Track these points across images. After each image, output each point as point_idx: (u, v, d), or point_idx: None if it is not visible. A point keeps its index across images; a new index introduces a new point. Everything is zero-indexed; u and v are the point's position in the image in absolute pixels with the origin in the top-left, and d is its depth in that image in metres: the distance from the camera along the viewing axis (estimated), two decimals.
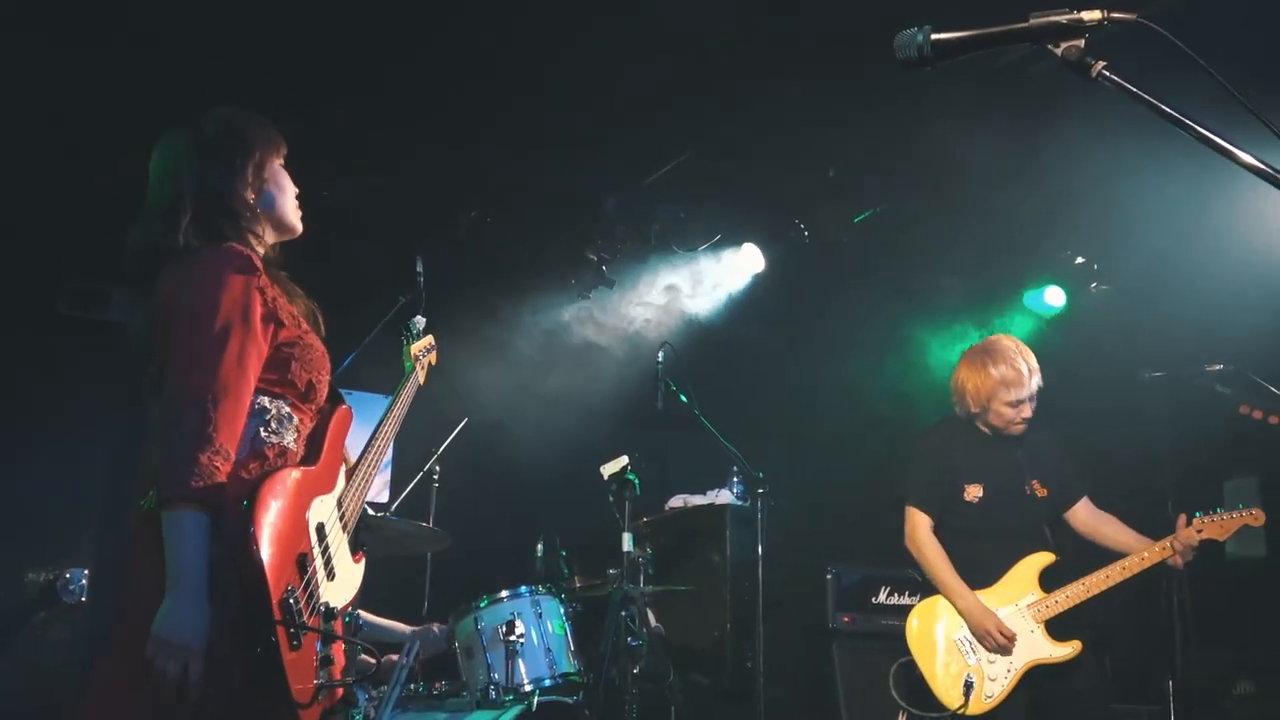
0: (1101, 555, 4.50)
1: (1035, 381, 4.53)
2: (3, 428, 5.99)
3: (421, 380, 3.33)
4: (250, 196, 2.50)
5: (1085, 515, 4.65)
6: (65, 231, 6.00)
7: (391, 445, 2.88)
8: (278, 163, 2.60)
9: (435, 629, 5.08)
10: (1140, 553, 4.33)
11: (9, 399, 6.09)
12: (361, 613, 4.51)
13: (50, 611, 5.15)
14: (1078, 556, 4.60)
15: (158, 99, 5.07)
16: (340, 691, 2.38)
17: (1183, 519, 4.31)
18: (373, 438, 2.78)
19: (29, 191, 5.76)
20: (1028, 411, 4.53)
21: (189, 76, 5.01)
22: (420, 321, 3.52)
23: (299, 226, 2.64)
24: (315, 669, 2.27)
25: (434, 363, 3.44)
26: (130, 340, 2.46)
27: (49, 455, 6.05)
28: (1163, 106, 1.73)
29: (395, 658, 4.78)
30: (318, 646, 2.30)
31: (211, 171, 2.46)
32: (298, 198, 2.65)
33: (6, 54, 4.98)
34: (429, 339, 3.48)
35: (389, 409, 2.95)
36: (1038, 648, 4.35)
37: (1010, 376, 4.49)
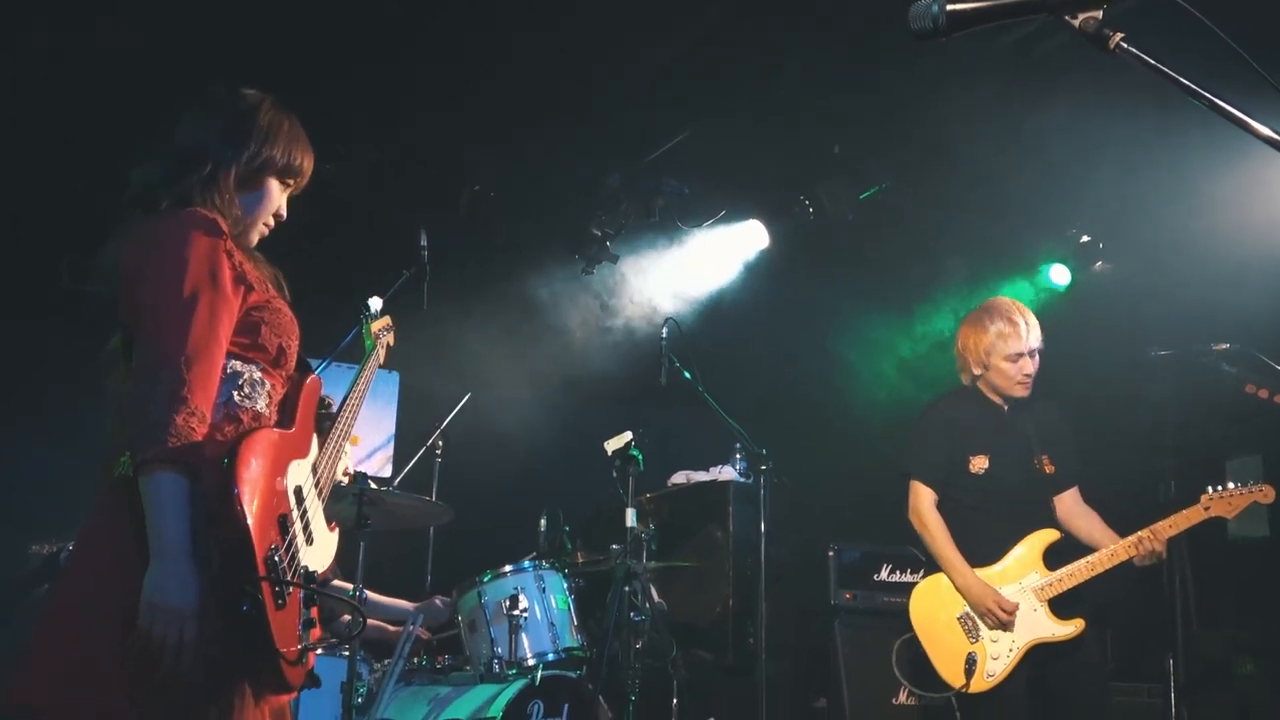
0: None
1: (1034, 336, 4.51)
2: (3, 401, 5.99)
3: (381, 359, 3.35)
4: (234, 183, 2.46)
5: (1069, 503, 4.61)
6: (64, 209, 5.98)
7: (357, 420, 2.90)
8: (279, 182, 2.55)
9: (438, 601, 5.11)
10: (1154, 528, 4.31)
11: (8, 374, 6.08)
12: (366, 591, 4.54)
13: (54, 583, 5.17)
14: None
15: (158, 73, 5.06)
16: (312, 660, 2.37)
17: (1203, 498, 4.29)
18: (339, 412, 2.79)
19: (29, 169, 5.74)
20: (1029, 367, 4.50)
21: (189, 52, 4.98)
22: (377, 303, 3.56)
23: (254, 241, 2.57)
24: (299, 632, 2.26)
25: (392, 343, 3.48)
26: (100, 274, 2.43)
27: (51, 428, 6.04)
28: (1180, 79, 1.70)
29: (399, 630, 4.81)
30: (300, 608, 2.28)
31: (230, 144, 2.45)
32: (277, 221, 2.59)
33: (7, 32, 4.96)
34: (387, 319, 3.52)
35: (352, 385, 2.96)
36: (1040, 626, 4.35)
37: (1006, 330, 4.48)
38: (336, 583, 4.38)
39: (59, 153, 5.64)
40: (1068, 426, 4.70)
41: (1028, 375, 4.52)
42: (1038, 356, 4.53)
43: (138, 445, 2.15)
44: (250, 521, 2.14)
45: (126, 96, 5.21)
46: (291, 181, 2.58)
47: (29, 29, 4.96)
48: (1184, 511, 4.31)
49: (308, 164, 2.59)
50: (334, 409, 2.80)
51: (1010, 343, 4.48)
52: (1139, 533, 4.32)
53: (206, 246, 2.30)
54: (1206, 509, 4.28)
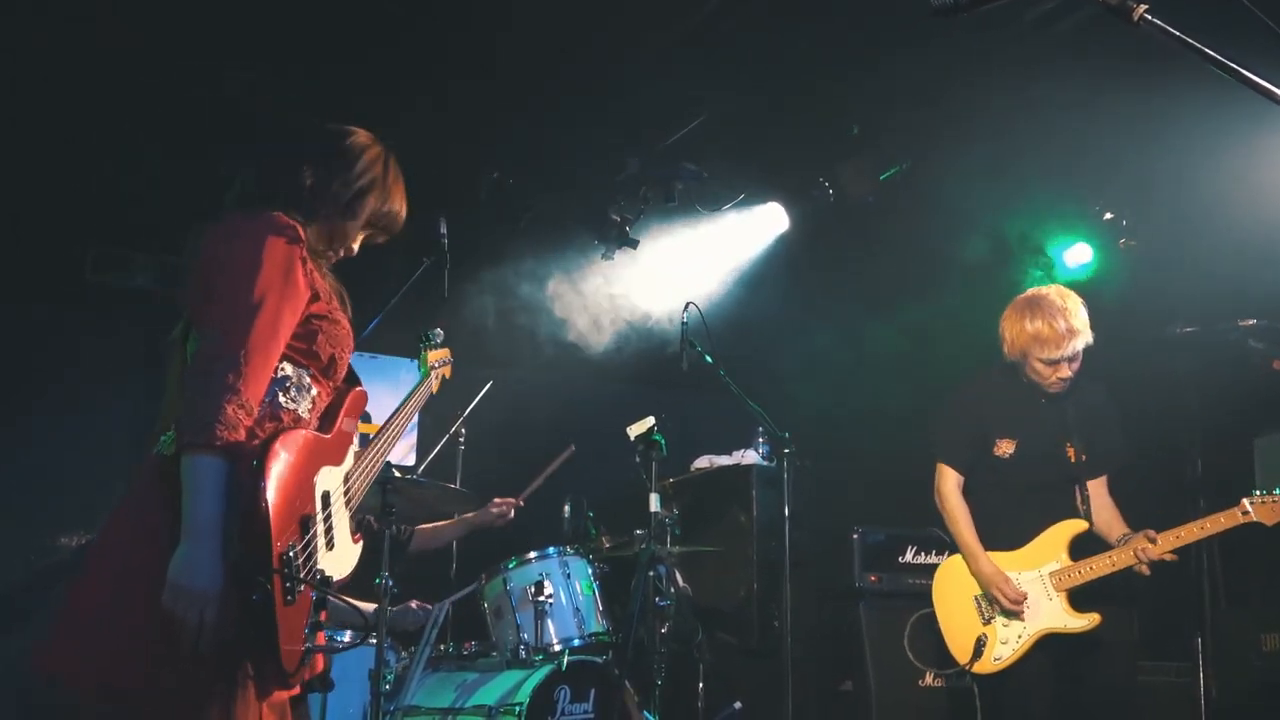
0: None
1: (1076, 343, 4.29)
2: (32, 394, 6.03)
3: (434, 389, 3.41)
4: (325, 207, 2.58)
5: (1094, 493, 4.50)
6: (86, 201, 6.01)
7: (398, 440, 2.92)
8: (366, 225, 2.68)
9: (496, 501, 5.10)
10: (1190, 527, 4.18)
11: (35, 366, 6.12)
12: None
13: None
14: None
15: (171, 59, 5.06)
16: (320, 666, 2.42)
17: (1244, 501, 4.09)
18: (384, 428, 2.83)
19: (51, 161, 5.77)
20: (1066, 372, 4.35)
21: (190, 51, 4.97)
22: (440, 333, 3.60)
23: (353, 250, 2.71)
24: (305, 634, 2.30)
25: (448, 375, 3.50)
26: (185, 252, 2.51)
27: (72, 420, 6.07)
28: (1206, 50, 1.68)
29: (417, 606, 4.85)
30: (310, 610, 2.32)
31: (331, 171, 2.58)
32: (346, 255, 2.71)
33: (27, 25, 4.98)
34: (446, 351, 3.56)
35: (401, 406, 3.01)
36: (1054, 616, 4.30)
37: (1044, 334, 4.28)
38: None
39: (83, 146, 5.67)
40: (1113, 412, 4.57)
41: (1063, 379, 4.37)
42: (1079, 359, 4.36)
43: (186, 428, 2.20)
44: (271, 514, 2.19)
45: (127, 96, 5.24)
46: (377, 230, 2.69)
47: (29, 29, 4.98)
48: (1218, 515, 4.11)
49: (399, 219, 2.71)
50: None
51: (1046, 348, 4.29)
52: (1135, 543, 4.20)
53: (284, 249, 2.38)
54: (1245, 514, 4.06)
